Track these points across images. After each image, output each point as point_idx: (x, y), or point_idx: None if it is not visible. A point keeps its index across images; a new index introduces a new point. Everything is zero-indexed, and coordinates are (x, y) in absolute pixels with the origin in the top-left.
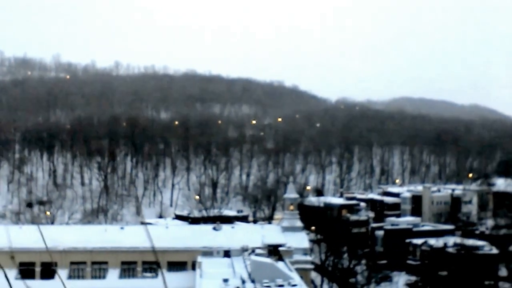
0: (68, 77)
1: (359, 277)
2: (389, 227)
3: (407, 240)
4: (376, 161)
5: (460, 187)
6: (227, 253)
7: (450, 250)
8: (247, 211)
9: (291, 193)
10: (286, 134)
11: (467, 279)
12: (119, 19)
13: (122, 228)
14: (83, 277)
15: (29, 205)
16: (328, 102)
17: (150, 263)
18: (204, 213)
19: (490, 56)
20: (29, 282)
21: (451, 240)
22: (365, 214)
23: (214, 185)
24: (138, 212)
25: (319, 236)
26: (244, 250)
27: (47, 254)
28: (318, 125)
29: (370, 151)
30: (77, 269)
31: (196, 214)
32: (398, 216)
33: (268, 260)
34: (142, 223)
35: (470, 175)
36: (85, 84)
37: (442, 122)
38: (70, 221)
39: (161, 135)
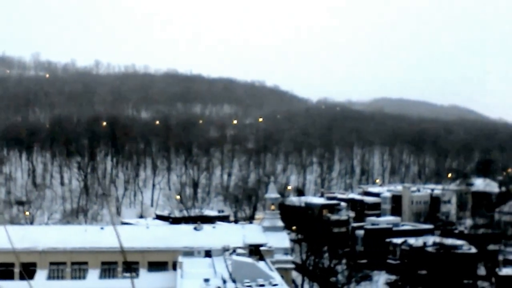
0: (47, 75)
1: (340, 277)
2: (369, 226)
3: (387, 240)
4: (357, 161)
5: (439, 187)
6: (208, 253)
7: (430, 249)
8: (228, 211)
9: (272, 193)
10: (267, 134)
11: (446, 278)
12: (99, 18)
13: (102, 228)
14: (62, 277)
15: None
16: (309, 102)
17: (130, 263)
18: (185, 213)
19: (469, 58)
20: (8, 283)
21: (430, 240)
22: (345, 214)
23: (195, 185)
24: (108, 206)
25: (300, 236)
26: (225, 250)
27: (26, 255)
28: (299, 125)
29: (351, 151)
30: (57, 270)
31: (177, 214)
32: (378, 215)
33: (249, 260)
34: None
35: (449, 175)
36: (65, 83)
37: (422, 123)
38: (50, 221)
39: (142, 134)
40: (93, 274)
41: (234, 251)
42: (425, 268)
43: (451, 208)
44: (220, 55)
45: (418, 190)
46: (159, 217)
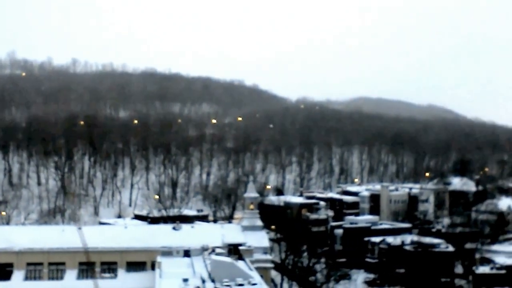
0: (23, 74)
1: (319, 275)
2: (348, 225)
3: (366, 239)
4: (336, 160)
5: (417, 186)
6: (187, 253)
7: (408, 248)
8: (207, 211)
9: (251, 192)
10: (246, 133)
11: (424, 276)
12: (77, 16)
13: (79, 228)
14: (40, 278)
15: None
16: (288, 101)
17: (108, 263)
18: (164, 213)
19: (446, 57)
20: None
21: (408, 238)
22: (324, 213)
23: (174, 184)
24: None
25: (279, 235)
26: (204, 249)
27: (3, 255)
28: (278, 124)
29: (330, 150)
30: (34, 270)
31: (155, 214)
32: (357, 214)
33: (228, 259)
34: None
35: (427, 174)
36: (42, 81)
37: (400, 122)
38: (26, 222)
39: (120, 134)
40: (70, 274)
41: (213, 250)
42: (403, 267)
43: (428, 207)
44: (199, 54)
45: (396, 189)
46: (137, 217)
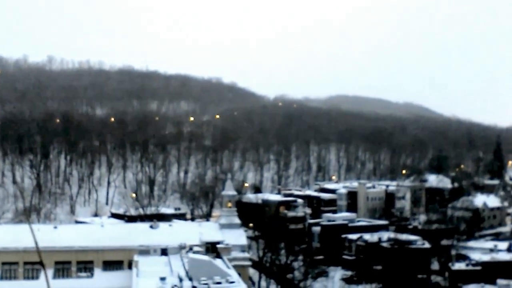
0: None
1: (296, 273)
2: (325, 223)
3: (343, 236)
4: (313, 158)
5: (394, 183)
6: (164, 251)
7: (385, 244)
8: (184, 209)
9: (229, 190)
10: (224, 131)
11: (401, 273)
12: (53, 12)
13: (55, 227)
14: (15, 277)
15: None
16: (266, 99)
17: (85, 262)
18: (141, 211)
19: (423, 55)
20: None
21: (385, 235)
22: (302, 211)
23: (151, 182)
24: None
25: (257, 233)
26: (181, 248)
27: None
28: (256, 122)
29: (307, 148)
30: (9, 270)
31: (132, 212)
32: (335, 212)
33: (205, 257)
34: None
35: (404, 171)
36: (17, 79)
37: (377, 120)
38: (1, 221)
39: (97, 132)
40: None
41: (190, 249)
42: (380, 263)
43: (405, 204)
44: (176, 51)
45: (374, 187)
46: (114, 216)
